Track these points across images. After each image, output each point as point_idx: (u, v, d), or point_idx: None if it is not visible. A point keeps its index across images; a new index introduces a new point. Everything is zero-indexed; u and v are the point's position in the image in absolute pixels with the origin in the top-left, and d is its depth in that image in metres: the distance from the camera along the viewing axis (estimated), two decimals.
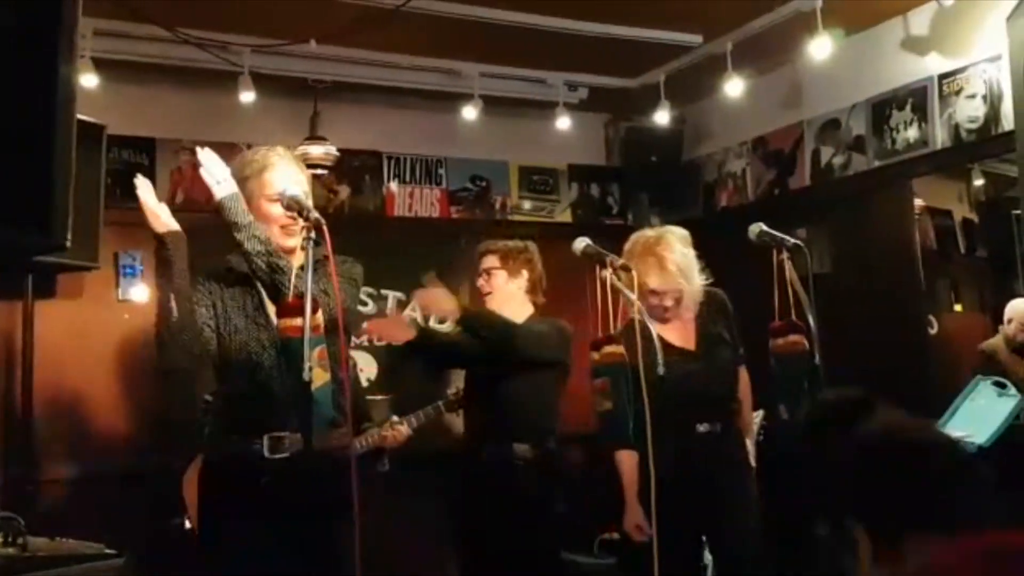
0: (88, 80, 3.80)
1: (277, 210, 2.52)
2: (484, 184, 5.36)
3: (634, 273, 2.79)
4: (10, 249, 1.71)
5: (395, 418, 3.51)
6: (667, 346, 2.98)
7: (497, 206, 5.38)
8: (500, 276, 3.53)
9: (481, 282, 3.59)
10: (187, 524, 3.55)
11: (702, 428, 3.02)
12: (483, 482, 3.40)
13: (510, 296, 3.53)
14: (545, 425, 3.45)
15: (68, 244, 1.42)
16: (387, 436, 3.38)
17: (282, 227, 2.57)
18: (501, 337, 3.30)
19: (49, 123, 1.42)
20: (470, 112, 4.72)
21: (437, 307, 3.53)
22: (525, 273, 3.55)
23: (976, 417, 3.48)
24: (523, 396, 3.39)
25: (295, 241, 2.54)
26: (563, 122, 4.91)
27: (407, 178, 5.18)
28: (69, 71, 1.46)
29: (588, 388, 2.83)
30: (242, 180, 2.56)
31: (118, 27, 3.95)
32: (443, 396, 3.70)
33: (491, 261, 3.57)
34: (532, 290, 3.57)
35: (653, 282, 3.00)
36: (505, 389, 3.40)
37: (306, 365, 2.08)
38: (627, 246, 3.09)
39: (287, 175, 2.56)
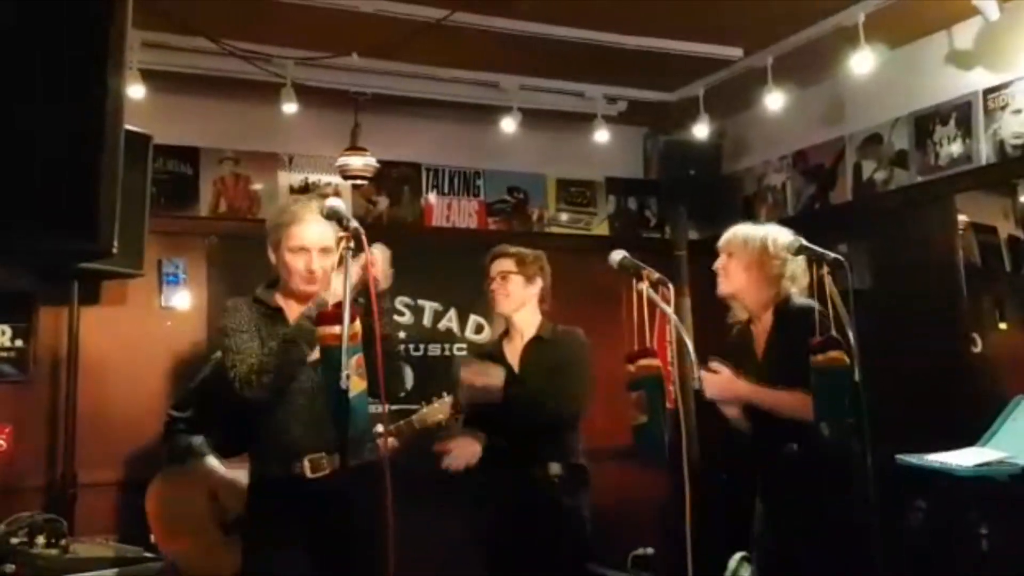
0: (135, 91, 3.88)
1: (299, 264, 2.73)
2: (522, 196, 5.37)
3: (670, 287, 2.78)
4: (58, 255, 1.75)
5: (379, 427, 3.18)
6: (751, 353, 3.09)
7: (534, 218, 5.39)
8: (516, 281, 3.45)
9: (495, 287, 3.47)
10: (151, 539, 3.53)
11: (783, 449, 2.97)
12: (515, 502, 3.34)
13: (523, 302, 3.47)
14: (573, 441, 3.42)
15: (115, 251, 1.44)
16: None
17: (302, 277, 2.74)
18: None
19: (98, 133, 1.45)
20: (509, 124, 4.74)
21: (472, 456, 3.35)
22: (539, 280, 3.48)
23: (1017, 438, 3.41)
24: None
25: (317, 287, 2.72)
26: (601, 135, 4.92)
27: (445, 189, 5.21)
28: (118, 82, 1.49)
29: (623, 402, 2.81)
30: (274, 227, 2.80)
31: (165, 39, 4.02)
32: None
33: (506, 265, 3.47)
34: (543, 299, 3.51)
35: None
36: None
37: (344, 373, 2.10)
38: None
39: (309, 228, 2.73)
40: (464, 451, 3.33)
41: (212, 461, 3.50)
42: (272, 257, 2.82)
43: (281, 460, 2.71)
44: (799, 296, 3.08)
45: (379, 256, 2.58)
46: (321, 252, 2.72)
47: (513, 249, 3.52)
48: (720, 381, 2.98)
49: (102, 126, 1.45)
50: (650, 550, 5.01)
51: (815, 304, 2.90)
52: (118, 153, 1.49)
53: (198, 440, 3.54)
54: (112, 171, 1.46)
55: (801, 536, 2.91)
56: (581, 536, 3.36)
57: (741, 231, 3.19)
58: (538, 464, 3.32)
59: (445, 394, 3.47)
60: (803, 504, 2.90)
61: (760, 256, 3.09)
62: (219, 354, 3.60)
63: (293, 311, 2.78)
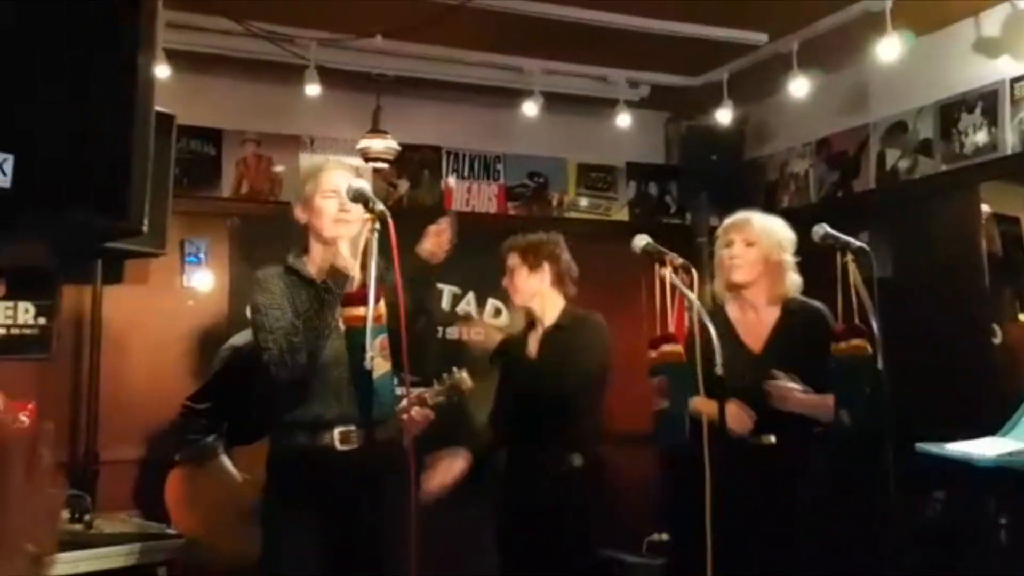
0: (160, 71, 3.89)
1: (330, 205, 2.73)
2: (542, 181, 5.36)
3: (693, 273, 2.77)
4: (89, 233, 1.76)
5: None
6: (737, 343, 3.03)
7: (554, 203, 5.38)
8: (522, 273, 3.41)
9: (505, 282, 3.47)
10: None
11: (756, 440, 2.94)
12: (530, 493, 3.32)
13: (534, 292, 3.43)
14: (591, 431, 3.39)
15: (145, 229, 1.46)
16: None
17: (335, 220, 2.74)
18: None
19: (128, 112, 1.46)
20: (530, 108, 4.72)
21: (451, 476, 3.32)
22: (547, 266, 3.41)
23: None
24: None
25: (348, 230, 2.70)
26: (623, 120, 4.89)
27: (465, 173, 5.21)
28: (148, 61, 1.50)
29: (644, 387, 2.81)
30: (305, 180, 2.84)
31: (189, 19, 4.04)
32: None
33: (512, 259, 3.45)
34: (559, 282, 3.44)
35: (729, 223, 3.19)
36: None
37: (368, 354, 2.11)
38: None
39: (339, 174, 2.78)
40: (442, 473, 3.27)
41: (226, 462, 3.54)
42: (302, 216, 2.79)
43: (309, 431, 2.67)
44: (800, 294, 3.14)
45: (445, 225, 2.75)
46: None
47: (520, 239, 3.49)
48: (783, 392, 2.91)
49: (133, 105, 1.46)
50: (665, 536, 5.02)
51: (823, 307, 3.00)
52: (148, 132, 1.50)
53: (212, 440, 3.56)
54: (142, 150, 1.47)
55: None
56: (586, 529, 3.34)
57: (759, 221, 3.16)
58: (557, 454, 3.30)
59: (455, 369, 3.45)
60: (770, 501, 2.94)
61: (777, 249, 3.11)
62: (232, 342, 3.65)
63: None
